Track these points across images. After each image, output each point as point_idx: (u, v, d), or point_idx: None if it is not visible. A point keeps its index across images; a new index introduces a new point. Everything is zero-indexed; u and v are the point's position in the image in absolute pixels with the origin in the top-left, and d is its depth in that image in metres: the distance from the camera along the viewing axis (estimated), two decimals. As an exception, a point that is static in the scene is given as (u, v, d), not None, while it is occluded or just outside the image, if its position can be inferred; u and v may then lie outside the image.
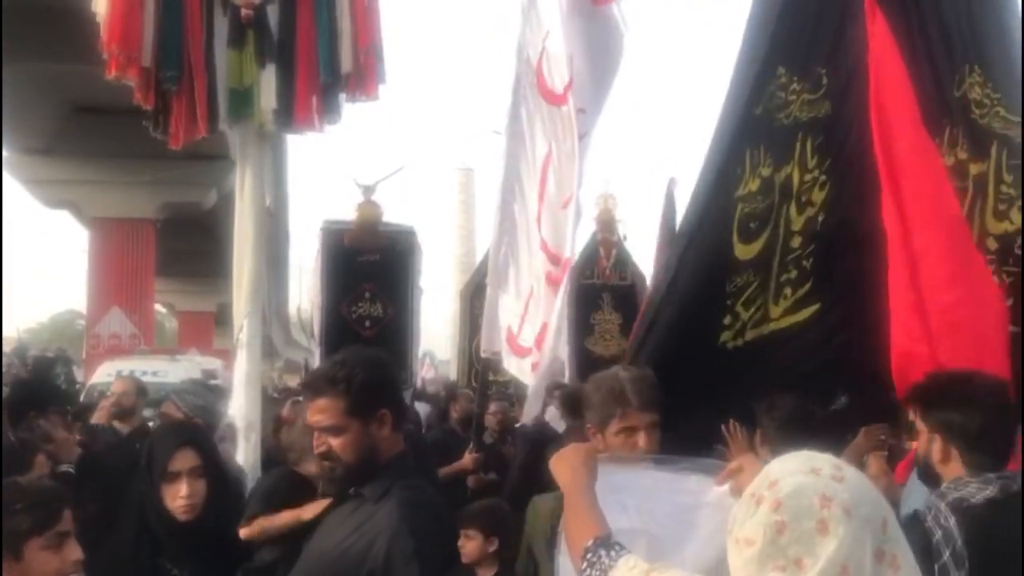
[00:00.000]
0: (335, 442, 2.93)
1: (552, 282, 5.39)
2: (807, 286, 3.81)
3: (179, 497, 3.27)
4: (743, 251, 3.84)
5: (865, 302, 3.67)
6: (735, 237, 3.83)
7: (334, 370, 2.97)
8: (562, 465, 2.65)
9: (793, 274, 3.83)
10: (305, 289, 11.30)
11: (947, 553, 2.75)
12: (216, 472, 3.39)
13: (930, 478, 3.06)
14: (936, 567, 2.73)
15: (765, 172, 3.82)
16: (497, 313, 5.71)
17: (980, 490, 2.86)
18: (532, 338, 5.43)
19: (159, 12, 5.49)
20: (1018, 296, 3.70)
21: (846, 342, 3.81)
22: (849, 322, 3.80)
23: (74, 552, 2.67)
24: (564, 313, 5.24)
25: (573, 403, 6.30)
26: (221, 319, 42.38)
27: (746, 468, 2.63)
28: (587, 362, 10.83)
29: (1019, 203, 3.76)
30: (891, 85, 3.36)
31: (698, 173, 3.93)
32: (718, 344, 3.84)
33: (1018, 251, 3.79)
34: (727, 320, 3.85)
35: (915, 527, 2.84)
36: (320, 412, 2.94)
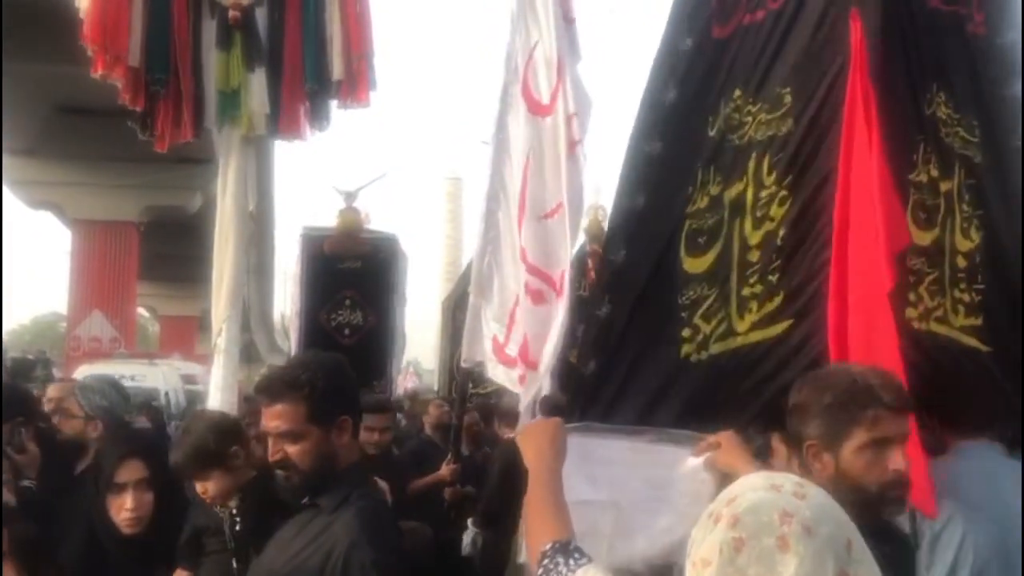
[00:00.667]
0: (292, 449, 2.83)
1: (531, 293, 5.34)
2: (776, 301, 3.78)
3: (124, 509, 3.23)
4: (692, 264, 3.85)
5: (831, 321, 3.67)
6: (682, 252, 3.86)
7: (295, 374, 2.87)
8: (528, 443, 2.47)
9: (758, 288, 3.80)
10: (288, 296, 11.27)
11: None
12: (165, 484, 3.33)
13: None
14: None
15: (714, 190, 3.85)
16: (481, 322, 5.65)
17: None
18: (517, 349, 5.37)
19: (145, 11, 5.44)
20: (989, 314, 3.72)
21: (819, 358, 3.79)
22: (820, 339, 3.79)
23: (8, 574, 2.59)
24: (561, 328, 5.20)
25: (554, 412, 6.23)
26: (204, 324, 42.22)
27: (724, 445, 2.59)
28: (570, 375, 10.73)
29: (977, 222, 3.79)
30: (860, 105, 3.34)
31: (641, 187, 3.97)
32: (680, 357, 3.83)
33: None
34: (686, 333, 3.85)
35: None
36: (278, 417, 2.83)
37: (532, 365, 5.33)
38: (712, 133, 3.85)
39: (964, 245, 3.79)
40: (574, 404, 3.97)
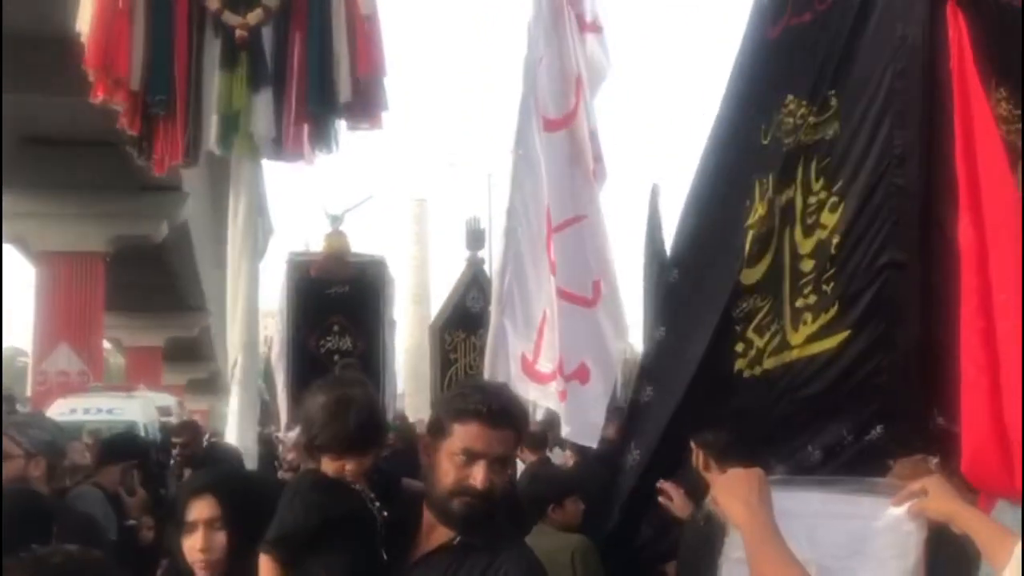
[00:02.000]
0: (500, 478, 2.71)
1: (558, 307, 5.26)
2: (832, 311, 3.71)
3: (195, 551, 2.95)
4: (747, 275, 3.78)
5: (896, 327, 3.58)
6: (743, 264, 3.78)
7: (513, 400, 2.82)
8: (731, 499, 2.28)
9: (812, 299, 3.73)
10: (271, 323, 11.11)
11: None
12: (243, 523, 2.96)
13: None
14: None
15: (771, 196, 3.77)
16: (506, 341, 5.52)
17: None
18: (552, 365, 5.27)
19: (147, 33, 5.30)
20: None
21: (878, 369, 3.70)
22: (881, 348, 3.69)
23: None
24: (608, 338, 5.12)
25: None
26: (169, 354, 41.64)
27: (933, 490, 2.39)
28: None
29: None
30: (974, 99, 3.22)
31: (695, 205, 3.87)
32: (734, 373, 3.73)
33: None
34: (740, 348, 3.77)
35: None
36: (502, 443, 2.71)
37: (570, 378, 5.24)
38: (766, 141, 3.77)
39: None
40: (631, 430, 3.88)
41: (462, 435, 2.69)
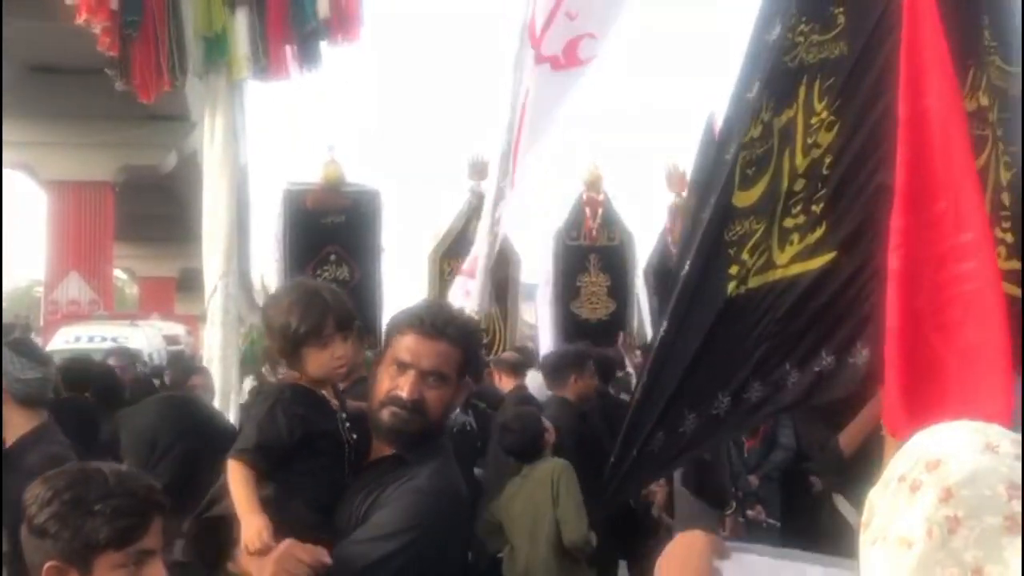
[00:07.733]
0: (432, 393, 2.61)
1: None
2: (819, 232, 3.60)
3: None
4: (741, 198, 3.64)
5: (881, 253, 3.49)
6: (735, 186, 3.64)
7: (465, 318, 2.76)
8: (672, 564, 2.02)
9: (801, 219, 3.61)
10: (267, 253, 11.08)
11: None
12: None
13: None
14: None
15: (766, 117, 3.61)
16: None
17: None
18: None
19: (122, -50, 5.13)
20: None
21: (865, 291, 3.62)
22: (868, 271, 3.61)
23: None
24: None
25: (558, 369, 6.10)
26: (183, 285, 41.85)
27: None
28: (573, 326, 10.66)
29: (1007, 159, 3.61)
30: (925, 25, 3.08)
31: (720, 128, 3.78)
32: (727, 295, 3.65)
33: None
34: (734, 270, 3.65)
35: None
36: (436, 355, 2.62)
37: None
38: (766, 58, 3.61)
39: (1005, 178, 3.62)
40: (650, 370, 3.79)
41: (397, 346, 2.65)
